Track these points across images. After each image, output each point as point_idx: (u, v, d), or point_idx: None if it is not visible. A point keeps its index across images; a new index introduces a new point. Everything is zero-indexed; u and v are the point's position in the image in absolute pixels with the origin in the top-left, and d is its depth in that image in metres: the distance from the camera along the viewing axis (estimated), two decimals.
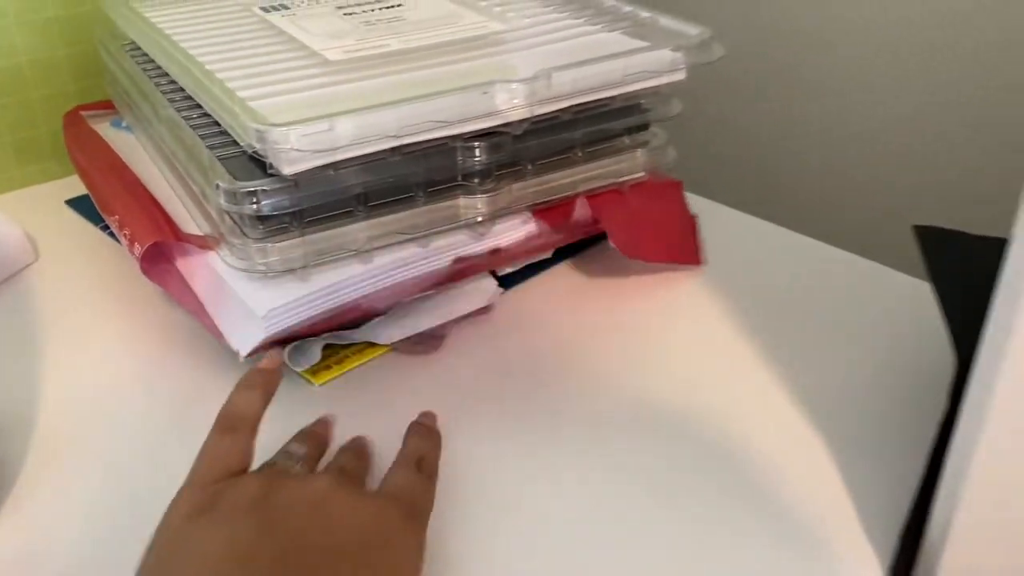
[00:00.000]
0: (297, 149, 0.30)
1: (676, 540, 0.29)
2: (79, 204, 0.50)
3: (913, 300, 0.40)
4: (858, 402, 0.35)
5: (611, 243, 0.39)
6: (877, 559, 0.28)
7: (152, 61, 0.42)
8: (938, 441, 0.27)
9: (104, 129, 0.47)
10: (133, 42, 0.44)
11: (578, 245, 0.44)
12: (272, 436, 0.33)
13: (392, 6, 0.43)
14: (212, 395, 0.34)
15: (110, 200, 0.39)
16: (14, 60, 0.50)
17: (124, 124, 0.47)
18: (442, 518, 0.28)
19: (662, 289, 0.42)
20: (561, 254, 0.43)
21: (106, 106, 0.50)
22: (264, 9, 0.43)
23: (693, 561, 0.28)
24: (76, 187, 0.51)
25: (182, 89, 0.38)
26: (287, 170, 0.31)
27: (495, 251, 0.37)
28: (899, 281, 0.42)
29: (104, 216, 0.41)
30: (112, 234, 0.46)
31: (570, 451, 0.32)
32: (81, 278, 0.42)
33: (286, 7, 0.43)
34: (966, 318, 0.25)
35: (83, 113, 0.49)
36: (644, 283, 0.42)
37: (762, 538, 0.29)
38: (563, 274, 0.43)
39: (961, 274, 0.26)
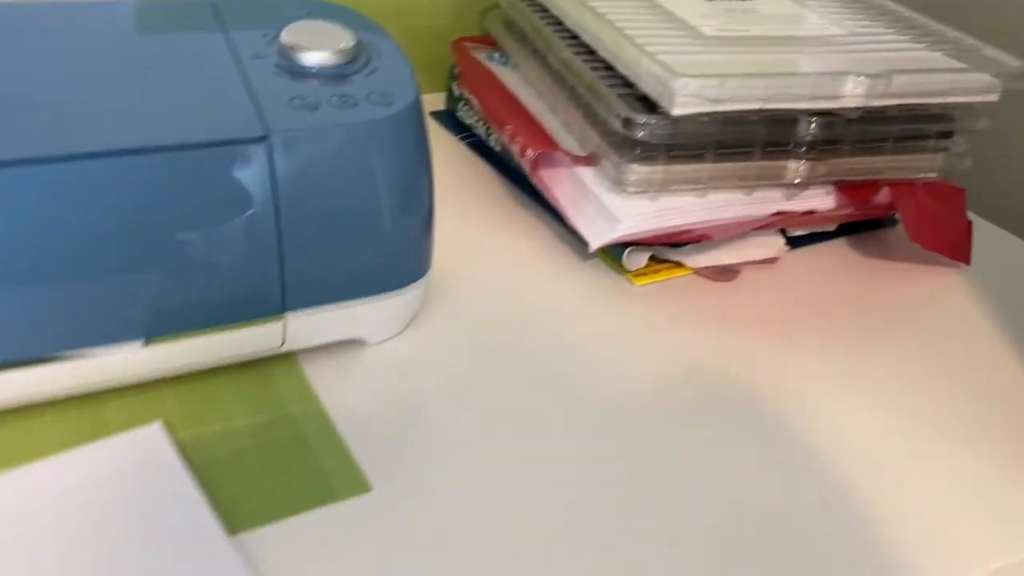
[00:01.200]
0: (691, 95, 0.39)
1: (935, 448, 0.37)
2: (440, 116, 0.62)
3: None
4: None
5: (902, 226, 0.47)
6: None
7: (545, 11, 0.52)
8: None
9: (481, 60, 0.59)
10: None
11: (856, 226, 0.51)
12: (597, 323, 0.43)
13: None
14: (547, 271, 0.45)
15: (503, 115, 0.51)
16: None
17: (496, 58, 0.59)
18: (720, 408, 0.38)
19: (923, 281, 0.49)
20: (841, 231, 0.51)
21: (479, 40, 0.62)
22: None
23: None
24: (438, 103, 0.64)
25: (575, 37, 0.49)
26: (675, 111, 0.40)
27: (808, 212, 0.45)
28: None
29: (494, 127, 0.52)
30: (469, 143, 0.58)
31: (812, 374, 0.41)
32: (445, 175, 0.54)
33: None
34: None
35: (465, 44, 0.61)
36: (908, 271, 0.49)
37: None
38: (840, 247, 0.51)
39: None
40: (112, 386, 0.35)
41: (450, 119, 0.61)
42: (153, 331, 0.34)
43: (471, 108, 0.56)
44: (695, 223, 0.44)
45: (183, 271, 0.33)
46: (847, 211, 0.47)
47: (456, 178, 0.54)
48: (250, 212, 0.33)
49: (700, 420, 0.37)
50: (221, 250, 0.33)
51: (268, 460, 0.33)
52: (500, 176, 0.55)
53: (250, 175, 0.33)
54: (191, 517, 0.30)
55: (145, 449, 0.32)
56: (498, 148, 0.54)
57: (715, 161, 0.43)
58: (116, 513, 0.30)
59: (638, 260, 0.46)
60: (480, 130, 0.56)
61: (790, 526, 0.33)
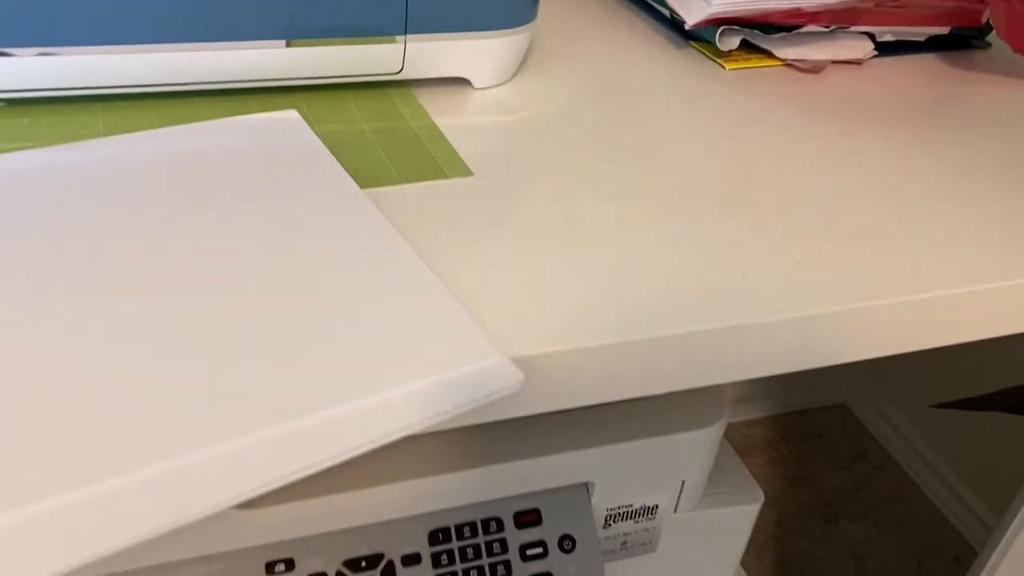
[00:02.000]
0: None
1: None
2: None
3: None
4: None
5: (991, 21, 0.48)
6: None
7: None
8: None
9: None
10: None
11: (945, 43, 0.53)
12: (687, 96, 0.46)
13: None
14: (642, 55, 0.48)
15: None
16: None
17: None
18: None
19: (1007, 96, 0.50)
20: (931, 45, 0.53)
21: None
22: None
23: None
24: None
25: None
26: None
27: None
28: None
29: None
30: None
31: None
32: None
33: None
34: None
35: None
36: (993, 84, 0.51)
37: None
38: (927, 59, 0.53)
39: None
40: (256, 85, 0.39)
41: None
42: (294, 33, 0.38)
43: None
44: (781, 8, 0.46)
45: None
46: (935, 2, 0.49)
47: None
48: None
49: (758, 184, 0.40)
50: None
51: (387, 148, 0.37)
52: None
53: None
54: (324, 168, 0.34)
55: (282, 123, 0.37)
56: None
57: None
58: (258, 163, 0.34)
59: (730, 42, 0.48)
60: None
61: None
